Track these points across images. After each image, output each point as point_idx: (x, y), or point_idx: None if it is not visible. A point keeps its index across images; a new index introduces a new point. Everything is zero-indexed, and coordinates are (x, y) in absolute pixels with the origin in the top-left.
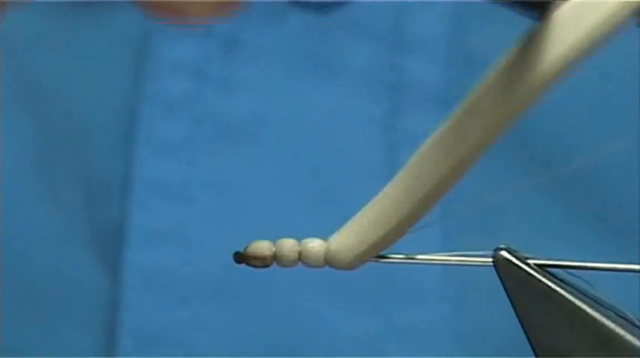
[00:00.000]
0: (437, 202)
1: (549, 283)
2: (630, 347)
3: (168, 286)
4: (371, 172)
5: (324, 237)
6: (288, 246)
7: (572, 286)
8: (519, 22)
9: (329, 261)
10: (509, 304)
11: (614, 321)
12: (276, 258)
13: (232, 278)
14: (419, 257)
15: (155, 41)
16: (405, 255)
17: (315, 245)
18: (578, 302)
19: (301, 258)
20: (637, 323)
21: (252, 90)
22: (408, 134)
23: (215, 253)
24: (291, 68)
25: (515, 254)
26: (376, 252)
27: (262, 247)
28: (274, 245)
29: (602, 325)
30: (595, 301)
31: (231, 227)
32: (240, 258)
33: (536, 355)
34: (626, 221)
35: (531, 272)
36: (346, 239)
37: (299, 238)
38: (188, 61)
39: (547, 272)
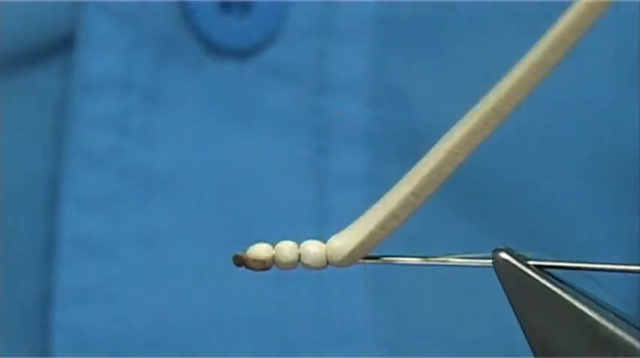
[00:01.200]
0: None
1: (549, 284)
2: (630, 347)
3: (98, 344)
4: (300, 217)
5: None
6: (288, 248)
7: (571, 287)
8: (440, 57)
9: (329, 261)
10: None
11: (613, 322)
12: (275, 260)
13: (162, 333)
14: (413, 259)
15: (75, 97)
16: (399, 256)
17: (314, 246)
18: (577, 303)
19: (301, 259)
20: (637, 323)
21: (175, 141)
22: (337, 175)
23: (144, 308)
24: (213, 116)
25: (515, 255)
26: (370, 244)
27: (262, 249)
28: (274, 247)
29: (602, 325)
30: (594, 302)
31: (159, 281)
32: (240, 260)
33: (535, 356)
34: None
35: (530, 273)
36: (344, 236)
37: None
38: (109, 114)
39: (546, 273)
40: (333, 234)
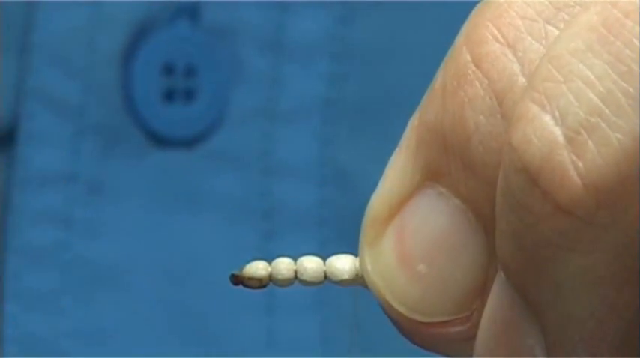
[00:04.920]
0: None
1: None
2: None
3: None
4: (249, 304)
5: None
6: (284, 265)
7: None
8: (388, 138)
9: (327, 277)
10: None
11: None
12: (272, 277)
13: None
14: None
15: (17, 192)
16: None
17: (311, 261)
18: None
19: (297, 275)
20: None
21: (119, 233)
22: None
23: None
24: (160, 206)
25: None
26: None
27: (258, 267)
28: (270, 265)
29: None
30: None
31: None
32: (237, 279)
33: None
34: None
35: None
36: (346, 257)
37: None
38: (52, 209)
39: None
40: (281, 319)
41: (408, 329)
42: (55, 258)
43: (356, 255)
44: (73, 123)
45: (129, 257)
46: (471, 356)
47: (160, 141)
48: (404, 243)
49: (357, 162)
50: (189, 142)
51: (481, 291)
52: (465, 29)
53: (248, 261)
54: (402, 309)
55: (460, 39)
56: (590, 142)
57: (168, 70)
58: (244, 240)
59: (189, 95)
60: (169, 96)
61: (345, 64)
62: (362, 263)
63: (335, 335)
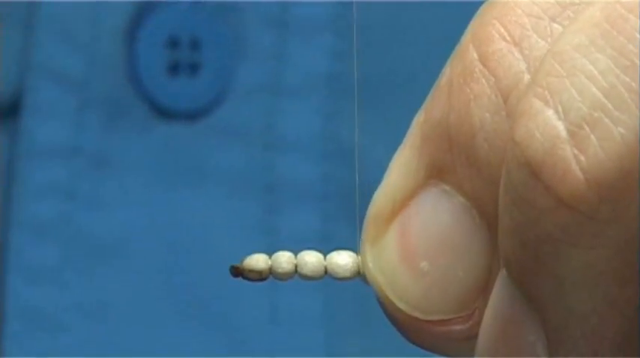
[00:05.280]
0: None
1: None
2: None
3: None
4: None
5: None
6: (285, 258)
7: None
8: (391, 114)
9: (328, 272)
10: None
11: None
12: (272, 270)
13: None
14: None
15: (21, 164)
16: None
17: (312, 256)
18: None
19: (297, 270)
20: None
21: (124, 206)
22: (288, 233)
23: None
24: (163, 179)
25: None
26: None
27: (258, 260)
28: (270, 258)
29: None
30: None
31: (108, 350)
32: (237, 271)
33: None
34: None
35: None
36: (347, 253)
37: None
38: (56, 182)
39: None
40: (284, 296)
41: (407, 327)
42: (58, 231)
43: (355, 250)
44: (77, 97)
45: (132, 230)
46: (471, 355)
47: (163, 113)
48: (407, 240)
49: (360, 137)
50: (193, 115)
51: (483, 290)
52: (471, 27)
53: (249, 253)
54: (403, 307)
55: (467, 36)
56: (592, 137)
57: (173, 43)
58: (247, 213)
59: (193, 68)
60: (174, 69)
61: (348, 40)
62: (363, 260)
63: (338, 313)
